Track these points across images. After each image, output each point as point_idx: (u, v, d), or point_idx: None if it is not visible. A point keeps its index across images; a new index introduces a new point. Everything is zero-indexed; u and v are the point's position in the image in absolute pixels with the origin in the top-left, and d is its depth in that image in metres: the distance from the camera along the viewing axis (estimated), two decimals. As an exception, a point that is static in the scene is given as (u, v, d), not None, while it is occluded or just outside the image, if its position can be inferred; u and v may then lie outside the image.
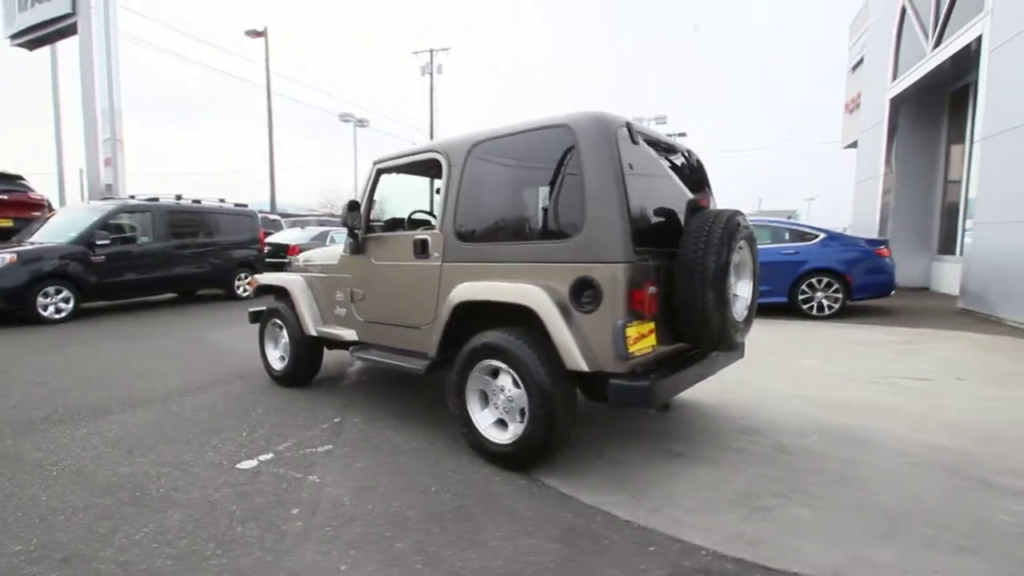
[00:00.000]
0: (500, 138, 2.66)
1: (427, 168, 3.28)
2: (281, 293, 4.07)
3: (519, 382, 2.41)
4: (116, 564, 1.77)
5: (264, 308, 4.36)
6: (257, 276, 4.37)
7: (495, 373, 2.55)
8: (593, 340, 2.22)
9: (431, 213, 3.94)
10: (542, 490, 2.30)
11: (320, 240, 11.64)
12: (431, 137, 32.16)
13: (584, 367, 2.20)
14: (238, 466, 2.55)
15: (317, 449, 2.76)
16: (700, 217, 2.43)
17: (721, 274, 2.30)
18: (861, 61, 13.57)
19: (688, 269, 2.31)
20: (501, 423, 2.56)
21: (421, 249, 2.93)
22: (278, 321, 3.97)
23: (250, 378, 4.20)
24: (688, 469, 2.51)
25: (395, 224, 3.57)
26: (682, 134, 32.70)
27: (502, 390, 2.51)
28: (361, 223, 3.33)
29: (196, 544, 1.88)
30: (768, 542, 1.90)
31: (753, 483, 2.35)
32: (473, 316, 2.68)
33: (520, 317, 2.48)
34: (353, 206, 3.22)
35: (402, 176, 3.53)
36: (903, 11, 9.57)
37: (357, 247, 3.34)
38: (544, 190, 2.47)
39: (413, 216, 3.60)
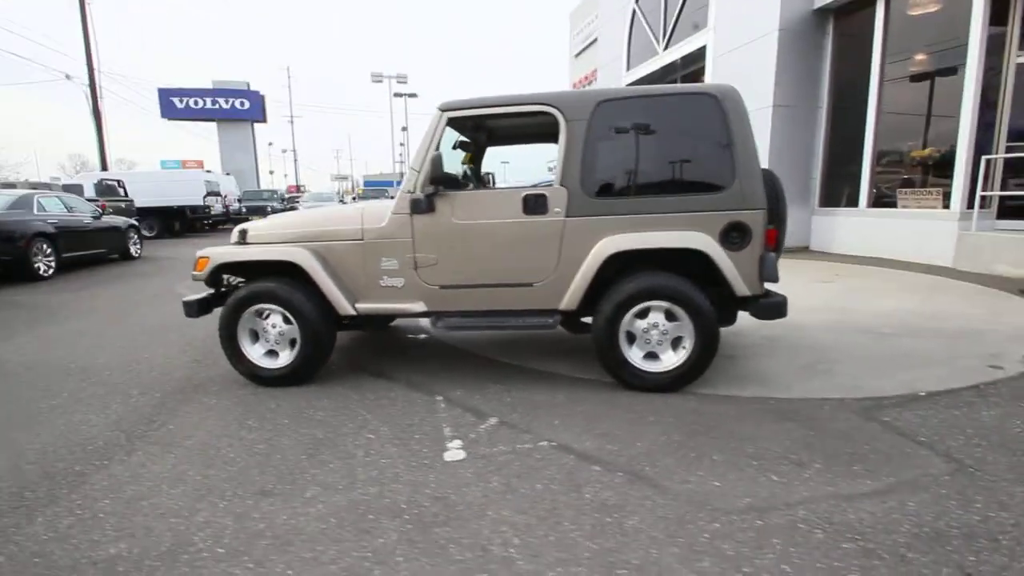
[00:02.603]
0: (632, 98, 2.83)
1: (513, 122, 3.07)
2: (273, 271, 3.17)
3: (679, 316, 2.80)
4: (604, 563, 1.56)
5: (226, 291, 3.33)
6: (208, 251, 3.18)
7: (644, 313, 2.86)
8: (744, 271, 2.79)
9: (475, 168, 3.67)
10: (713, 398, 2.81)
11: (25, 208, 8.06)
12: (90, 69, 24.29)
13: (747, 293, 2.77)
14: (446, 459, 2.21)
15: (487, 424, 2.56)
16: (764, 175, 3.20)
17: (785, 218, 3.15)
18: (586, 48, 16.61)
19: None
20: (651, 356, 2.91)
21: (536, 205, 2.88)
22: (269, 307, 3.10)
23: (210, 387, 3.17)
24: (753, 362, 3.38)
25: (449, 181, 3.22)
26: (413, 95, 33.28)
27: (655, 327, 2.85)
28: (424, 180, 2.95)
29: (614, 534, 1.76)
30: (863, 386, 2.92)
31: (794, 361, 3.38)
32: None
33: (661, 262, 2.85)
34: (437, 159, 2.82)
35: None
36: (634, 13, 12.27)
37: (426, 205, 2.95)
38: (689, 148, 2.83)
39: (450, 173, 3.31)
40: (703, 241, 2.74)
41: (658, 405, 2.72)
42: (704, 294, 2.78)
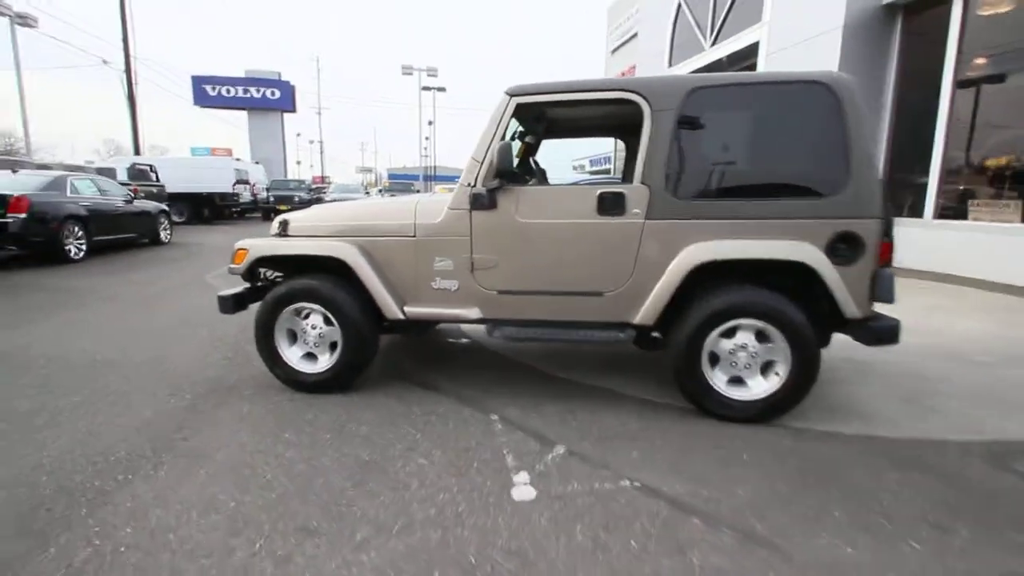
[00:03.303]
0: (728, 86, 2.48)
1: (582, 112, 2.76)
2: (314, 267, 2.90)
3: (772, 337, 2.45)
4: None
5: (263, 287, 3.10)
6: (247, 243, 2.91)
7: (730, 332, 2.51)
8: (853, 289, 2.42)
9: (536, 162, 3.36)
10: (811, 435, 2.45)
11: (58, 189, 8.00)
12: (126, 54, 24.49)
13: (859, 314, 2.41)
14: (515, 498, 1.90)
15: (555, 453, 2.24)
16: None
17: (892, 229, 2.77)
18: (624, 43, 16.14)
19: None
20: (736, 381, 2.56)
21: (612, 204, 2.55)
22: (309, 306, 2.83)
23: (243, 390, 2.91)
24: (844, 390, 2.99)
25: (515, 175, 2.91)
26: (441, 89, 33.09)
27: (743, 348, 2.50)
28: (487, 172, 2.64)
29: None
30: (982, 426, 2.53)
31: (890, 390, 2.99)
32: None
33: (748, 274, 2.51)
34: (506, 148, 2.51)
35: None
36: (679, 7, 11.79)
37: (488, 201, 2.64)
38: (795, 145, 2.47)
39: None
40: (811, 254, 2.37)
41: (749, 440, 2.37)
42: (803, 314, 2.43)
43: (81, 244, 8.07)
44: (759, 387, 2.52)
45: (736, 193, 2.51)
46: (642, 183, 2.53)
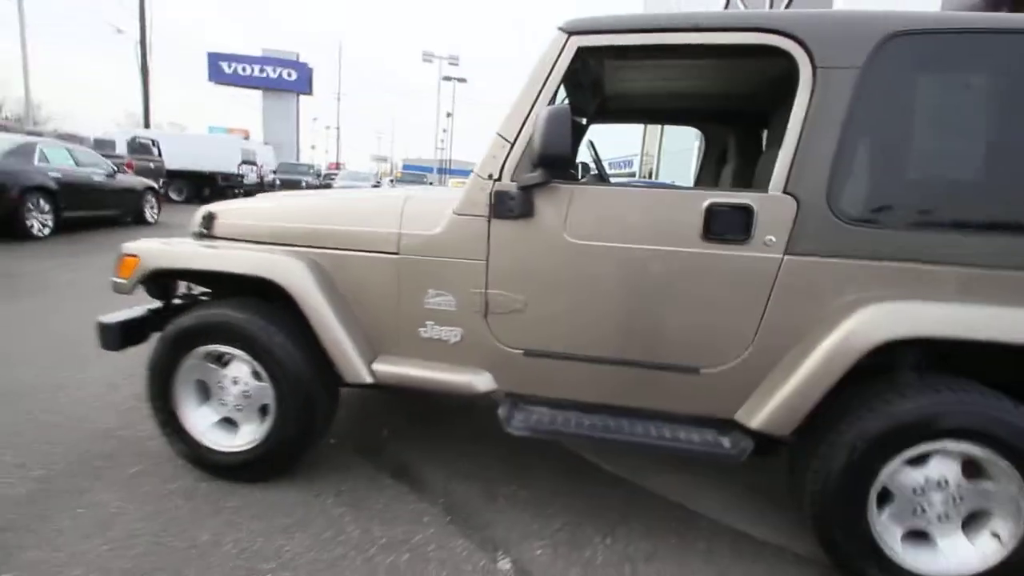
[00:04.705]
0: (955, 32, 1.43)
1: (682, 75, 1.73)
2: (248, 286, 1.89)
3: (991, 471, 1.41)
4: None
5: (181, 306, 2.10)
6: (139, 247, 1.91)
7: (919, 459, 1.47)
8: None
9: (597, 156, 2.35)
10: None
11: (23, 157, 7.06)
12: (142, 23, 23.63)
13: None
14: None
15: None
16: None
17: None
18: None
19: None
20: (918, 536, 1.51)
21: (728, 224, 1.51)
22: (230, 351, 1.81)
23: (125, 463, 1.91)
24: None
25: (566, 164, 1.88)
26: (462, 79, 32.06)
27: (939, 486, 1.45)
28: (520, 158, 1.62)
29: None
30: None
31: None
32: None
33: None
34: (559, 117, 1.47)
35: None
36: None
37: (519, 205, 1.61)
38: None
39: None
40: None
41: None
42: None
43: (47, 220, 7.15)
44: (960, 552, 1.48)
45: (956, 217, 1.46)
46: (785, 192, 1.49)
